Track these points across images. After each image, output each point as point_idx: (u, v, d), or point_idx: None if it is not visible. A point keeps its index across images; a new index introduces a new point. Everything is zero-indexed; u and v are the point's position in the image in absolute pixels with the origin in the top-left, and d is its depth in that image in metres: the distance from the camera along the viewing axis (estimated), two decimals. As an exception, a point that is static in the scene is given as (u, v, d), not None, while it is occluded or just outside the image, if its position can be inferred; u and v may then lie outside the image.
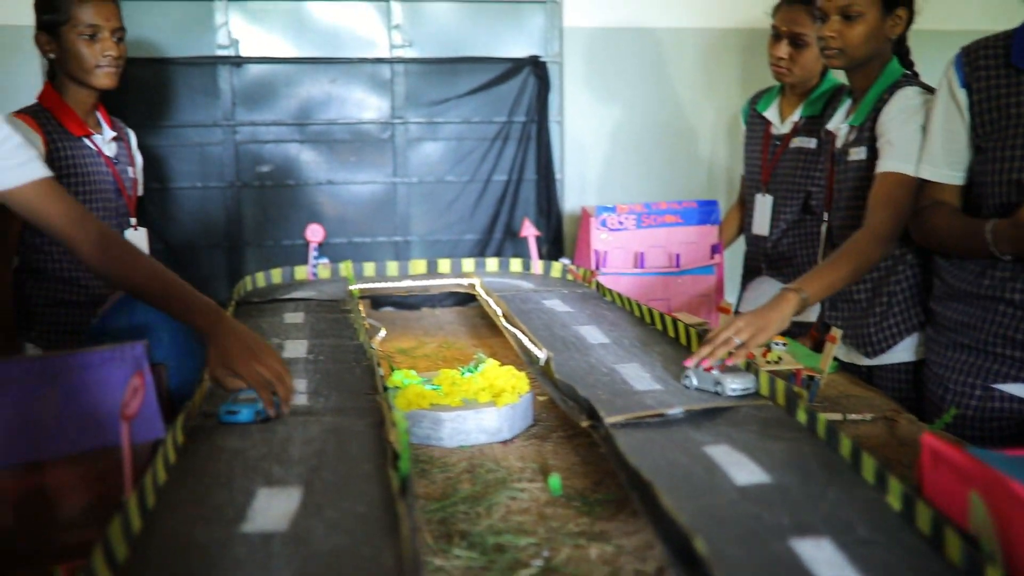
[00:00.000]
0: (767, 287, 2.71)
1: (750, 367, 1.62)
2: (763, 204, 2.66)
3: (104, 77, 2.09)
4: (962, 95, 1.76)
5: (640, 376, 1.63)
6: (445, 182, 3.13)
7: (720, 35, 3.17)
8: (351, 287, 2.42)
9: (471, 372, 1.72)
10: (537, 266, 2.73)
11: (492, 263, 2.82)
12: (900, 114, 1.93)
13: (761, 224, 2.68)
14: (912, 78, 2.05)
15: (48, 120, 2.06)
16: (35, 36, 2.09)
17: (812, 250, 2.50)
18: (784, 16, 2.49)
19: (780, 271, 2.68)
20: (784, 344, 1.86)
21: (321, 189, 3.05)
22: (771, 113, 2.68)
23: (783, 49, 2.46)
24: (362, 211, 3.10)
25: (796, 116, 2.61)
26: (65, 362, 1.14)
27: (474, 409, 1.53)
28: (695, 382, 1.57)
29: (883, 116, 1.96)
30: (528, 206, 3.14)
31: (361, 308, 2.14)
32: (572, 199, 3.19)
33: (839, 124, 2.14)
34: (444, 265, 2.80)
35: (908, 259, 2.05)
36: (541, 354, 1.75)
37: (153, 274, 1.55)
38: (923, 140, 1.87)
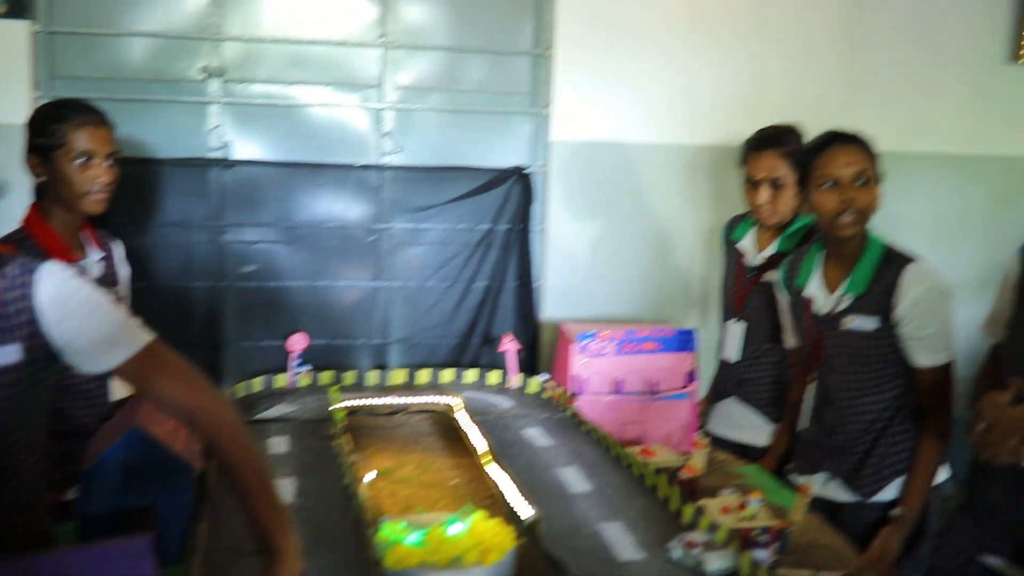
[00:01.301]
0: (734, 409, 2.79)
1: (732, 542, 1.67)
2: (735, 331, 2.73)
3: (94, 204, 2.07)
4: None
5: (624, 542, 1.68)
6: (426, 287, 3.17)
7: (696, 151, 3.26)
8: (333, 406, 2.45)
9: (458, 522, 1.75)
10: (515, 380, 2.78)
11: (471, 374, 2.86)
12: (926, 304, 2.09)
13: (731, 350, 2.75)
14: (894, 248, 2.17)
15: (32, 250, 2.00)
16: (25, 157, 2.09)
17: (779, 377, 2.58)
18: (760, 164, 2.55)
19: (747, 396, 2.75)
20: (760, 500, 1.91)
21: (304, 290, 3.08)
22: (746, 245, 2.76)
23: (764, 195, 2.54)
24: (343, 313, 3.13)
25: (771, 250, 2.69)
26: (60, 563, 1.15)
27: (463, 571, 1.57)
28: (678, 556, 1.61)
29: (905, 303, 2.10)
30: (508, 313, 3.19)
31: (346, 442, 2.16)
32: (551, 307, 3.25)
33: (817, 291, 2.23)
34: (423, 375, 2.84)
35: (911, 408, 2.17)
36: (527, 511, 1.78)
37: (255, 464, 1.47)
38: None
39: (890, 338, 2.12)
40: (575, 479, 1.99)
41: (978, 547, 1.92)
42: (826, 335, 2.22)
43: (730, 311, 2.78)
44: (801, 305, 2.30)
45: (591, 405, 2.53)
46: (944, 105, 3.46)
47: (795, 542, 1.90)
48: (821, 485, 2.21)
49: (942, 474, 2.20)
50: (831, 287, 2.22)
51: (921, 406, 2.18)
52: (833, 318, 2.19)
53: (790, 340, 2.44)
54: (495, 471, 2.02)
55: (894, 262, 2.13)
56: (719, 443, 2.81)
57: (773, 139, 2.61)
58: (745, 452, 2.72)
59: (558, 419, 2.45)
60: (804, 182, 2.21)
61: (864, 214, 2.12)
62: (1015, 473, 1.77)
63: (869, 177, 2.12)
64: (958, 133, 3.47)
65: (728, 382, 2.80)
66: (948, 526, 2.04)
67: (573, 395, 2.55)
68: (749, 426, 2.75)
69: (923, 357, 2.10)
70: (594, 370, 2.54)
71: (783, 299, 2.42)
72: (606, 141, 3.20)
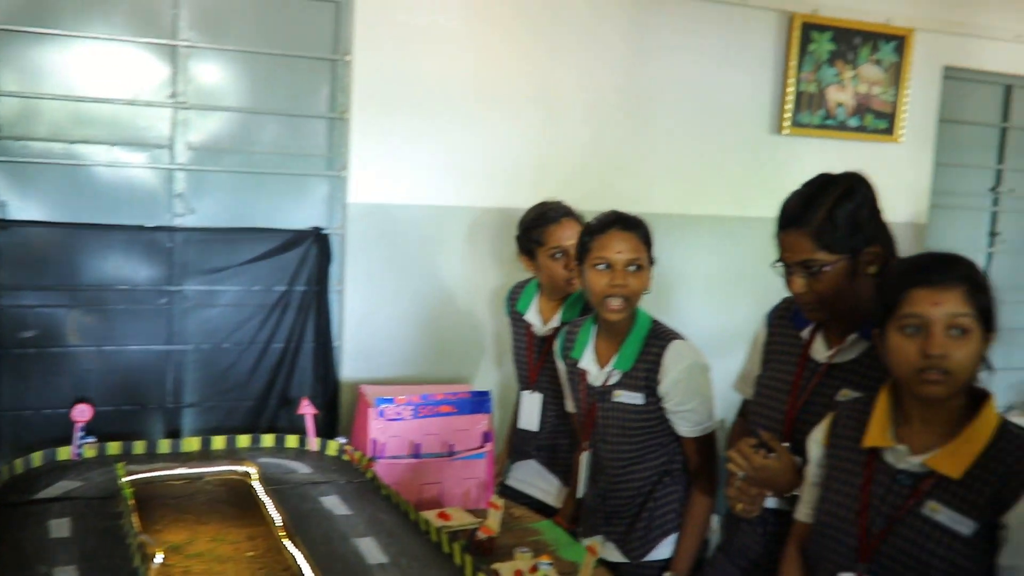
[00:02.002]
0: (533, 468, 2.91)
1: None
2: (531, 401, 2.84)
3: None
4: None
5: (418, 615, 1.72)
6: (221, 348, 3.12)
7: (490, 214, 3.37)
8: (121, 479, 2.36)
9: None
10: (314, 443, 2.78)
11: (268, 439, 2.83)
12: (687, 380, 2.26)
13: (530, 420, 2.86)
14: (660, 325, 2.35)
15: None
16: None
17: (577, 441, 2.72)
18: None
19: (547, 461, 2.87)
20: (550, 563, 2.01)
21: (90, 355, 2.96)
22: (531, 316, 2.87)
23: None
24: (133, 378, 3.03)
25: (556, 321, 2.81)
26: None
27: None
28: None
29: (667, 379, 2.27)
30: (306, 374, 3.18)
31: (135, 520, 2.09)
32: (351, 367, 3.26)
33: (590, 364, 2.38)
34: (219, 441, 2.78)
35: (675, 472, 2.34)
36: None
37: None
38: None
39: (656, 411, 2.29)
40: (372, 549, 2.02)
41: None
42: (598, 406, 2.36)
43: (525, 381, 2.88)
44: (577, 375, 2.44)
45: (390, 468, 2.56)
46: (720, 171, 3.75)
47: (582, 600, 2.01)
48: (602, 546, 2.35)
49: (712, 527, 2.39)
50: (602, 361, 2.36)
51: (688, 469, 2.36)
52: (604, 391, 2.34)
53: (569, 406, 2.57)
54: (292, 545, 2.02)
55: (658, 340, 2.30)
56: (517, 496, 2.92)
57: (568, 211, 2.82)
58: (543, 507, 2.84)
59: (357, 484, 2.46)
60: (581, 258, 2.34)
61: (632, 300, 2.28)
62: (759, 516, 1.97)
63: (642, 264, 2.28)
64: (731, 197, 3.78)
65: (528, 447, 2.91)
66: (709, 563, 2.23)
67: (372, 459, 2.57)
68: (547, 486, 2.87)
69: (686, 428, 2.29)
70: (392, 434, 2.58)
71: (561, 367, 2.56)
72: (402, 203, 3.27)
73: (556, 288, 2.78)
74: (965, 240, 4.56)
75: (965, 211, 4.55)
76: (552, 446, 2.83)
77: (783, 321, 2.07)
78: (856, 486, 1.69)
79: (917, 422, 1.65)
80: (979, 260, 4.60)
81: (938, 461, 1.58)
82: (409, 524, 2.19)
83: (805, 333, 1.98)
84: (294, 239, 3.14)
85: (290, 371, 3.17)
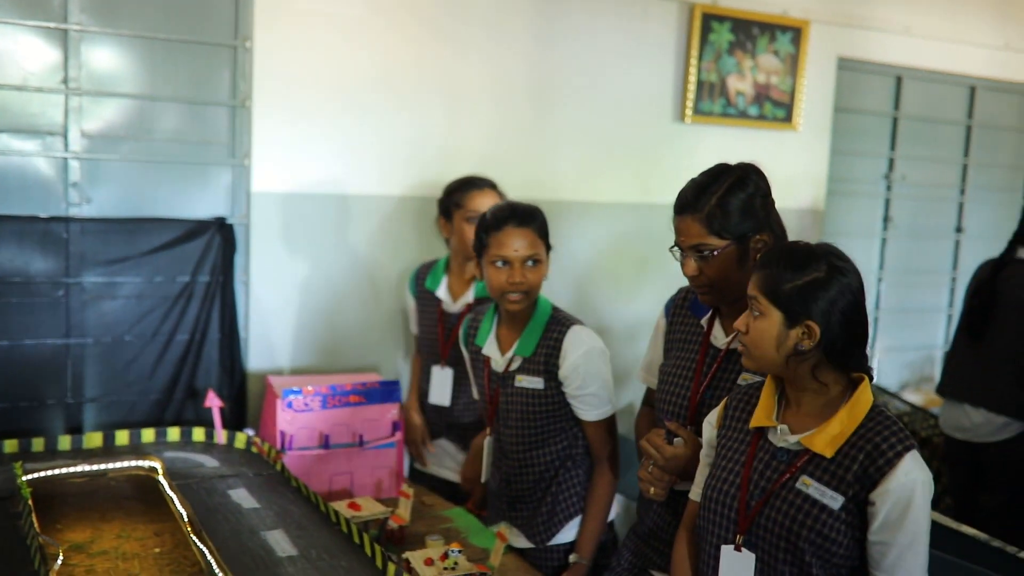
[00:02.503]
0: (446, 449, 2.93)
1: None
2: (442, 377, 2.87)
3: None
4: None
5: (328, 606, 1.72)
6: (124, 341, 3.04)
7: (395, 201, 3.35)
8: (20, 478, 2.30)
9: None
10: (221, 436, 2.74)
11: (174, 432, 2.78)
12: (586, 365, 2.30)
13: (441, 395, 2.89)
14: (560, 312, 2.39)
15: None
16: None
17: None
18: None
19: (458, 438, 2.90)
20: (460, 551, 2.03)
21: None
22: (442, 292, 2.92)
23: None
24: (30, 374, 2.93)
25: (469, 297, 2.86)
26: None
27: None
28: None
29: (568, 363, 2.30)
30: (212, 366, 3.12)
31: (34, 521, 2.04)
32: (258, 358, 3.22)
33: (493, 350, 2.41)
34: (122, 436, 2.72)
35: (577, 456, 2.39)
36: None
37: None
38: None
39: (557, 395, 2.33)
40: (281, 542, 2.01)
41: (645, 563, 2.16)
42: (501, 391, 2.39)
43: (435, 356, 2.91)
44: (480, 362, 2.46)
45: (299, 460, 2.55)
46: (624, 159, 3.80)
47: (494, 585, 2.04)
48: (509, 531, 2.38)
49: (614, 512, 2.44)
50: (504, 348, 2.40)
51: (590, 454, 2.41)
52: (506, 376, 2.38)
53: (475, 392, 2.60)
54: (199, 540, 1.99)
55: (558, 325, 2.34)
56: (433, 481, 2.94)
57: (491, 183, 2.96)
58: (456, 490, 2.87)
59: (266, 476, 2.44)
60: (479, 252, 2.37)
61: (531, 293, 2.32)
62: (670, 499, 2.03)
63: (539, 258, 2.32)
64: (636, 184, 3.84)
65: (439, 424, 2.94)
66: (621, 545, 2.28)
67: (280, 451, 2.55)
68: (459, 466, 2.90)
69: (587, 412, 2.33)
70: (300, 425, 2.57)
71: (466, 355, 2.58)
72: (307, 192, 3.23)
73: (465, 251, 2.88)
74: (860, 225, 4.74)
75: (860, 197, 4.72)
76: (464, 424, 2.86)
77: (682, 310, 2.13)
78: (740, 463, 1.77)
79: (796, 405, 1.75)
80: (874, 245, 4.83)
81: (812, 440, 1.69)
82: (319, 515, 2.18)
83: (704, 321, 2.04)
84: (196, 229, 3.07)
85: (195, 363, 3.11)
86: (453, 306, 2.90)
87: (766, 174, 1.99)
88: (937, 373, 5.21)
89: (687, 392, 2.01)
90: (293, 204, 3.21)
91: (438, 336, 2.91)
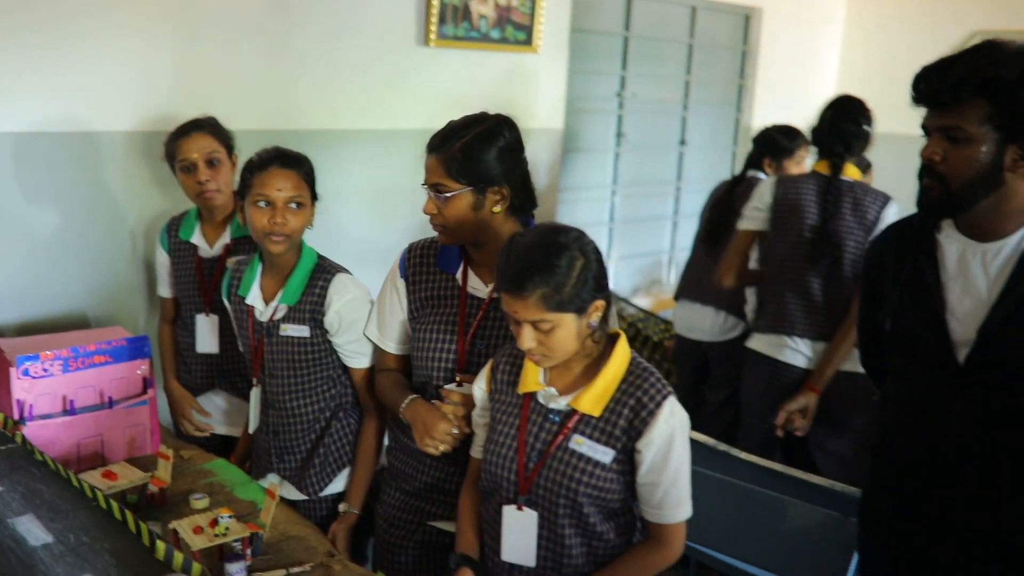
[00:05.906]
0: (216, 403, 2.86)
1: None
2: (207, 324, 2.79)
3: None
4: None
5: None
6: None
7: (115, 138, 3.09)
8: None
9: None
10: (-56, 407, 2.50)
11: None
12: (350, 312, 2.31)
13: (209, 343, 2.80)
14: (325, 260, 2.37)
15: None
16: None
17: None
18: (190, 145, 2.76)
19: (231, 384, 2.83)
20: (231, 516, 2.01)
21: None
22: (197, 239, 2.80)
23: (204, 174, 2.74)
24: None
25: (226, 238, 2.77)
26: None
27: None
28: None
29: (333, 310, 2.31)
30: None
31: None
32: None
33: (256, 300, 2.36)
34: None
35: (348, 407, 2.40)
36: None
37: None
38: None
39: (324, 343, 2.33)
40: (33, 529, 1.89)
41: (422, 517, 2.22)
42: (265, 341, 2.36)
43: (198, 305, 2.81)
44: (244, 312, 2.41)
45: (42, 429, 2.38)
46: (368, 85, 3.72)
47: (267, 541, 2.04)
48: (280, 485, 2.38)
49: (384, 459, 2.49)
50: (268, 297, 2.36)
51: (359, 403, 2.44)
52: (271, 326, 2.35)
53: (240, 345, 2.54)
54: (-63, 539, 1.84)
55: (324, 273, 2.33)
56: (209, 440, 2.87)
57: (199, 123, 2.79)
58: (227, 443, 2.81)
59: (6, 451, 2.27)
60: (242, 194, 2.30)
61: (292, 236, 2.28)
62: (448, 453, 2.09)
63: (303, 202, 2.28)
64: (381, 110, 3.78)
65: (209, 375, 2.85)
66: (385, 503, 2.32)
67: (19, 422, 2.38)
68: (233, 416, 2.85)
69: (354, 360, 2.36)
70: (40, 392, 2.39)
71: (229, 307, 2.52)
72: (26, 131, 2.92)
73: (192, 201, 2.82)
74: (596, 141, 4.97)
75: (596, 114, 4.93)
76: (233, 370, 2.80)
77: (423, 268, 2.15)
78: (515, 427, 1.88)
79: (564, 366, 1.85)
80: (608, 160, 5.08)
81: (580, 401, 1.82)
82: (73, 492, 2.07)
83: (459, 275, 2.10)
84: None
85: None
86: (211, 251, 2.80)
87: (510, 97, 2.05)
88: (665, 276, 5.66)
89: (452, 346, 2.06)
90: (9, 145, 2.89)
91: (199, 284, 2.81)
